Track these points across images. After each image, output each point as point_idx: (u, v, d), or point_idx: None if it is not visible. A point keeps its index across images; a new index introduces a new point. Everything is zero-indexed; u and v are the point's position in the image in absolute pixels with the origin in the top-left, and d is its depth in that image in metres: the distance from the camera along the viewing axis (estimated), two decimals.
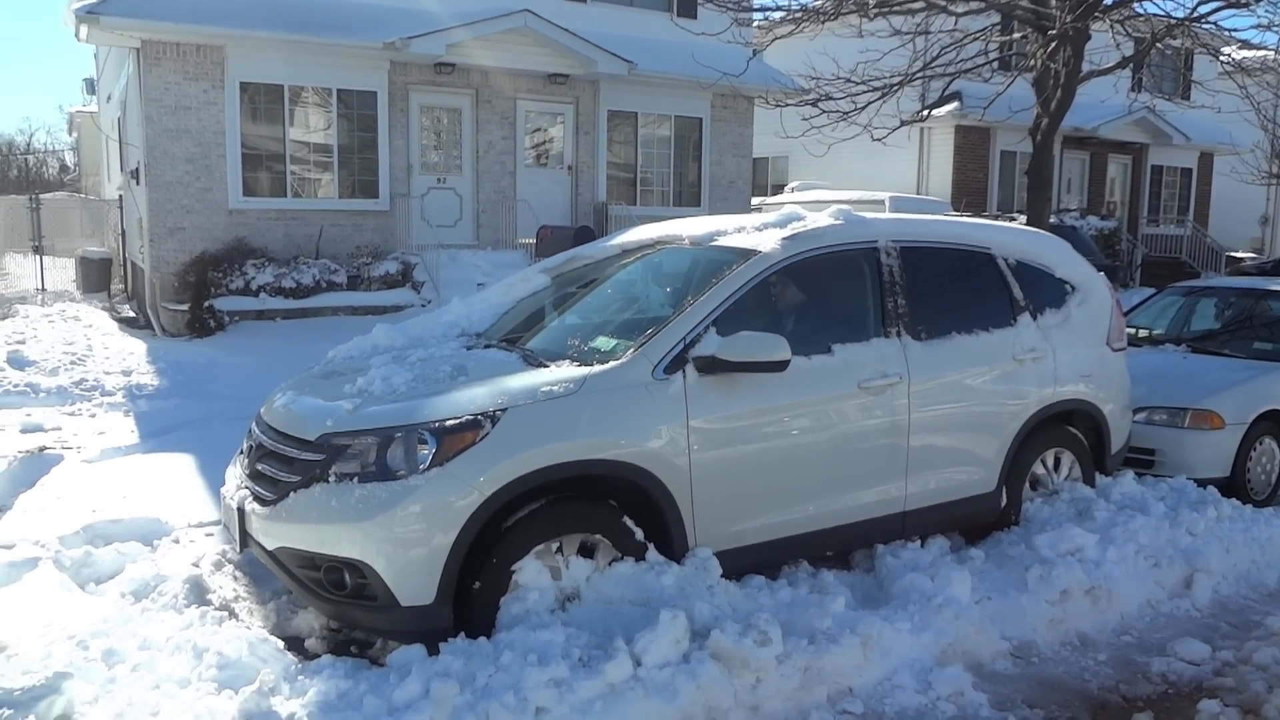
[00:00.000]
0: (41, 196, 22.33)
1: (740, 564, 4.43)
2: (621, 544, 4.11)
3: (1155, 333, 8.35)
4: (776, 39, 12.39)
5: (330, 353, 5.21)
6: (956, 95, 19.33)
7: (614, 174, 16.96)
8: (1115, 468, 5.99)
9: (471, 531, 3.76)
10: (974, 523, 5.33)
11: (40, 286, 19.30)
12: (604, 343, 4.56)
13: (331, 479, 3.85)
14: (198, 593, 4.40)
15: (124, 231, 17.71)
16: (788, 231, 4.87)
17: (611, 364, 4.21)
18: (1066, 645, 4.54)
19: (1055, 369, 5.45)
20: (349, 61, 14.05)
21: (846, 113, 10.30)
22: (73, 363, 10.15)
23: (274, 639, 3.80)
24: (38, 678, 3.32)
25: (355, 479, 3.82)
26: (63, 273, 20.54)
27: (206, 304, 12.52)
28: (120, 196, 17.75)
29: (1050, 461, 5.66)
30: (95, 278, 18.50)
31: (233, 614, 4.30)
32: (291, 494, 3.94)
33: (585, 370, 4.16)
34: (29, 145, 63.25)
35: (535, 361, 4.38)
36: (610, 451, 4.03)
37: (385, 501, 3.73)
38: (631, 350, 4.27)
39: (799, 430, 4.54)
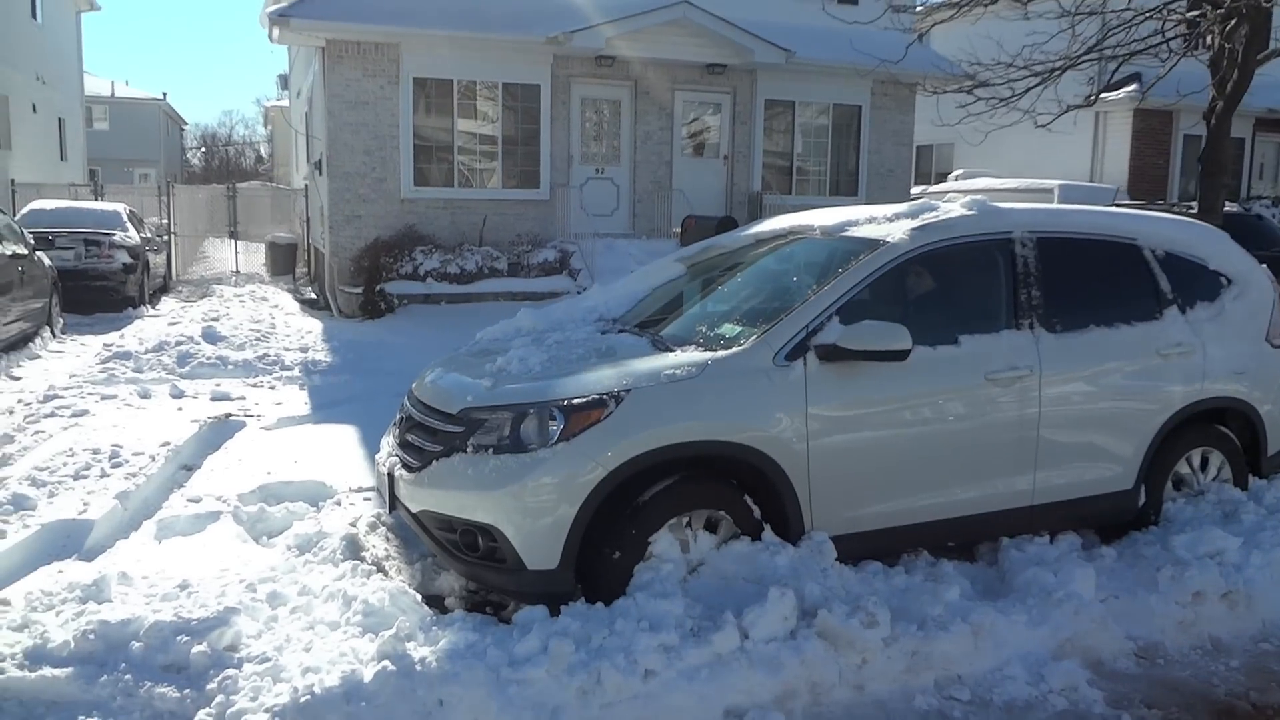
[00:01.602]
0: (238, 186, 24.17)
1: (858, 549, 4.50)
2: (741, 521, 4.26)
3: None
4: (936, 23, 12.15)
5: (479, 334, 5.59)
6: (1135, 77, 18.34)
7: (770, 163, 16.97)
8: (1273, 471, 5.70)
9: (594, 503, 3.99)
10: (1110, 520, 5.20)
11: (235, 269, 20.96)
12: (729, 329, 4.71)
13: (470, 449, 4.17)
14: (353, 549, 4.84)
15: (308, 219, 19.00)
16: (918, 222, 4.88)
17: (734, 349, 4.36)
18: (1197, 649, 4.41)
19: (1205, 365, 5.25)
20: (514, 56, 14.63)
21: (1004, 99, 10.01)
22: (257, 339, 11.07)
23: (413, 592, 4.16)
24: (212, 611, 3.80)
25: (490, 450, 4.12)
26: (254, 256, 22.23)
27: (378, 288, 13.36)
28: (306, 186, 19.04)
29: (1196, 461, 5.44)
30: (282, 261, 19.99)
31: (382, 570, 4.70)
32: (434, 462, 4.28)
33: (708, 355, 4.33)
34: (229, 137, 68.30)
35: (663, 346, 4.58)
36: (729, 434, 4.18)
37: (516, 472, 4.01)
38: (754, 337, 4.41)
39: (920, 420, 4.56)
